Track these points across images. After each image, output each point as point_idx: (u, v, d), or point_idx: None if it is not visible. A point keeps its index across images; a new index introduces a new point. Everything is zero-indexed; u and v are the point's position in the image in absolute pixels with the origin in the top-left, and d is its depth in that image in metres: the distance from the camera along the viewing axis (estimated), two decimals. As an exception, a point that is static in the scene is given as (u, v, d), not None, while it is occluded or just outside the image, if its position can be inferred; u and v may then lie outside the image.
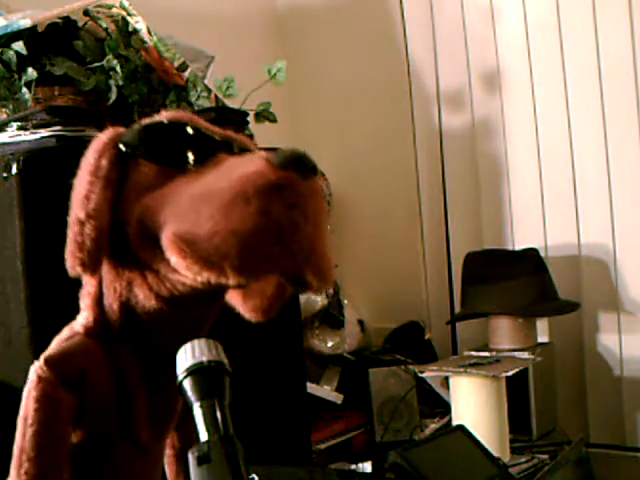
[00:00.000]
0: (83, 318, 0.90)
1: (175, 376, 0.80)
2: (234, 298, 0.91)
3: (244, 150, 0.88)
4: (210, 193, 0.77)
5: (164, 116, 0.88)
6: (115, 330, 0.88)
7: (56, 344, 0.89)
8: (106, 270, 0.87)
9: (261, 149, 0.91)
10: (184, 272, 0.77)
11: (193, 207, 0.77)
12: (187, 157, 0.84)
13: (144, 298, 0.86)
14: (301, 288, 0.82)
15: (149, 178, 0.84)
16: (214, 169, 0.82)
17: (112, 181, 0.83)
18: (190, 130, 0.86)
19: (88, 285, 0.90)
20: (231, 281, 0.76)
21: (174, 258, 0.76)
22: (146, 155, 0.84)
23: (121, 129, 0.87)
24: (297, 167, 0.77)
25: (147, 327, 0.88)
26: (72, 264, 0.83)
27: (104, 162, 0.84)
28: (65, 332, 0.91)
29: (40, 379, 0.84)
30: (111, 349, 0.88)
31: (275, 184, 0.76)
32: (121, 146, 0.85)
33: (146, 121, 0.88)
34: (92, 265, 0.83)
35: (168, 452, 1.02)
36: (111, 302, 0.88)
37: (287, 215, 0.77)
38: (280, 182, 0.76)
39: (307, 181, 0.78)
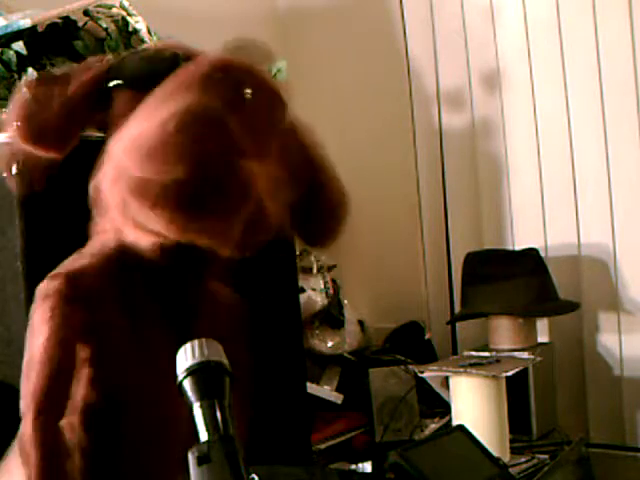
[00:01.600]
0: (97, 242, 0.96)
1: (188, 305, 0.82)
2: None
3: None
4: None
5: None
6: (122, 256, 0.91)
7: (66, 263, 0.92)
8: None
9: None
10: None
11: None
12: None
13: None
14: None
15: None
16: None
17: None
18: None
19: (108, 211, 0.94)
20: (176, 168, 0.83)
21: None
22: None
23: None
24: None
25: (150, 256, 0.90)
26: None
27: None
28: (76, 254, 0.94)
29: (47, 295, 0.87)
30: (122, 271, 0.90)
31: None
32: None
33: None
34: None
35: None
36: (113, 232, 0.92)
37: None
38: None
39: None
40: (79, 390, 0.91)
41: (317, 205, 0.98)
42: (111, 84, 0.91)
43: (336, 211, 0.97)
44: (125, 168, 0.86)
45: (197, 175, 0.83)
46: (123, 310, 0.92)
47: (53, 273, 0.92)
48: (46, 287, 0.90)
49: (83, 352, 0.91)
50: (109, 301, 0.92)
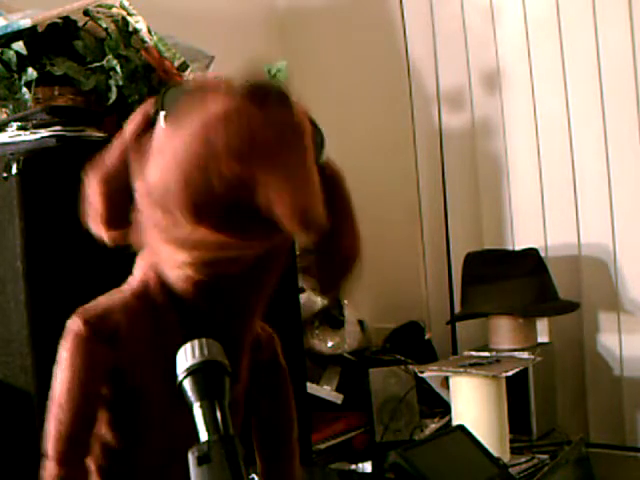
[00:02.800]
0: (132, 279, 0.95)
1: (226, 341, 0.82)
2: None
3: None
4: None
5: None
6: (156, 295, 0.90)
7: (96, 300, 0.92)
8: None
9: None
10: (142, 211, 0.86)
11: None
12: None
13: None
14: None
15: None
16: None
17: None
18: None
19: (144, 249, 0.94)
20: (181, 214, 0.82)
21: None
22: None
23: None
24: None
25: (185, 295, 0.89)
26: None
27: None
28: (113, 290, 0.94)
29: (73, 333, 0.86)
30: (155, 311, 0.91)
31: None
32: None
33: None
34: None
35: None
36: (149, 268, 0.93)
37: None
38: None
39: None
40: (98, 431, 0.91)
41: (332, 253, 0.97)
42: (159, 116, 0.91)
43: (349, 263, 0.97)
44: (146, 178, 0.86)
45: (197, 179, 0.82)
46: (155, 351, 0.90)
47: (81, 309, 0.91)
48: (72, 323, 0.89)
49: (105, 394, 0.90)
50: (139, 342, 0.91)
